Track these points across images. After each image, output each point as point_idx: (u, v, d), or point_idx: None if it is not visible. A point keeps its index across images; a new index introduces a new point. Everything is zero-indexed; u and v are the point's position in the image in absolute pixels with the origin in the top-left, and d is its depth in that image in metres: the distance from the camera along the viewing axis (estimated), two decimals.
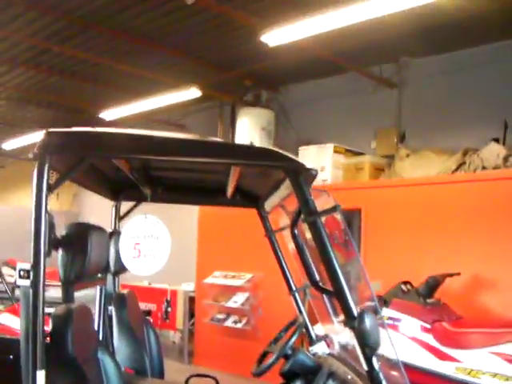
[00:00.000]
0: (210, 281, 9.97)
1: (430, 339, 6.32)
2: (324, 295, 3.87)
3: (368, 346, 2.29)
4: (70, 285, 2.82)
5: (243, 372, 7.72)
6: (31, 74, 11.20)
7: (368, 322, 2.24)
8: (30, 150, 2.53)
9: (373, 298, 2.51)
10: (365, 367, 2.40)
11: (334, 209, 2.49)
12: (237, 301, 9.55)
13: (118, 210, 4.29)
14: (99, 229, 3.03)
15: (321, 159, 9.21)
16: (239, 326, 9.53)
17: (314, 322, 4.07)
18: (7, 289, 8.65)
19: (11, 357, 3.43)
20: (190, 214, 10.92)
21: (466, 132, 8.80)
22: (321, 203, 2.58)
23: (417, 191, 8.03)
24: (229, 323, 9.71)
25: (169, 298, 10.93)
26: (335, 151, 9.33)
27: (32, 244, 2.46)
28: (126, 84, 11.48)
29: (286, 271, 4.02)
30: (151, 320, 9.98)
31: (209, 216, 10.27)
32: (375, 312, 2.36)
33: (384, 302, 6.60)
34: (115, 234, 4.03)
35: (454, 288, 7.13)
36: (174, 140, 2.63)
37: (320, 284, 3.11)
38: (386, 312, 6.50)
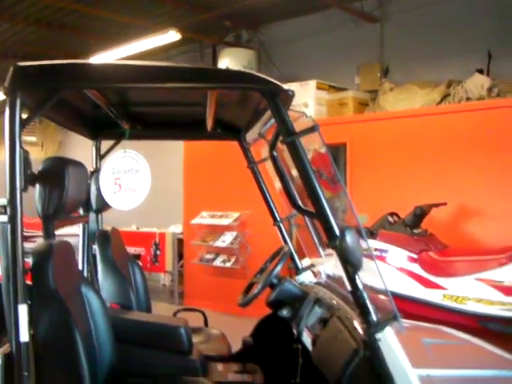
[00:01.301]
0: (198, 221, 9.97)
1: (416, 268, 6.38)
2: (309, 224, 3.88)
3: (350, 263, 2.28)
4: (48, 220, 2.80)
5: (233, 310, 7.79)
6: (7, 27, 10.95)
7: (350, 238, 2.23)
8: None
9: (359, 226, 2.48)
10: (348, 287, 2.40)
11: (313, 129, 2.45)
12: (225, 240, 9.57)
13: (98, 148, 4.24)
14: (77, 163, 2.98)
15: (304, 96, 9.12)
16: (228, 265, 9.57)
17: (301, 256, 4.08)
18: None
19: None
20: (175, 155, 10.88)
21: (449, 64, 8.72)
22: (300, 126, 2.55)
23: (402, 124, 8.00)
24: (218, 263, 9.75)
25: (157, 241, 10.95)
26: (318, 87, 9.24)
27: (7, 180, 2.43)
28: (104, 31, 11.25)
29: (270, 202, 4.01)
30: (140, 264, 10.02)
31: (194, 156, 10.21)
32: (359, 235, 2.34)
33: (371, 233, 6.64)
34: (96, 172, 3.99)
35: (440, 218, 7.18)
36: (147, 67, 2.59)
37: (302, 206, 3.09)
38: (374, 243, 6.54)
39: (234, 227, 9.53)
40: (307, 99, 9.14)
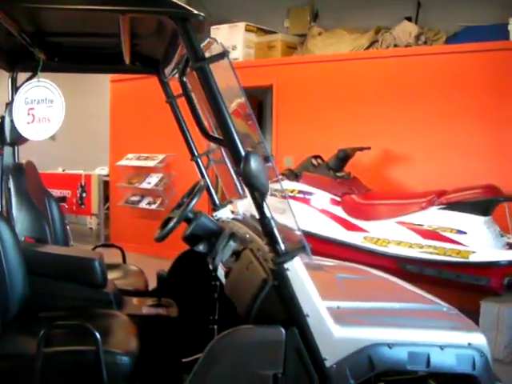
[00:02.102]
0: (124, 163, 9.88)
1: (339, 211, 6.47)
2: (228, 161, 3.87)
3: (256, 189, 2.26)
4: None
5: (158, 253, 7.78)
6: None
7: (253, 162, 2.20)
8: None
9: (268, 153, 2.47)
10: (257, 215, 2.39)
11: (222, 55, 2.42)
12: (150, 182, 9.52)
13: (14, 80, 4.09)
14: None
15: (232, 38, 9.03)
16: (153, 207, 9.54)
17: (222, 199, 4.07)
18: None
19: None
20: (102, 97, 10.71)
21: (379, 11, 8.72)
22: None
23: (328, 67, 8.01)
24: (143, 205, 9.71)
25: (83, 184, 10.80)
26: (247, 30, 9.14)
27: None
28: None
29: (188, 138, 3.97)
30: (66, 206, 9.90)
31: (121, 97, 10.08)
32: (266, 160, 2.33)
33: (295, 175, 6.67)
34: (10, 104, 3.86)
35: (364, 162, 7.26)
36: None
37: (210, 133, 3.06)
38: (297, 186, 6.58)
39: (160, 169, 9.49)
40: (236, 42, 9.05)
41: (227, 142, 2.37)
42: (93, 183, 10.75)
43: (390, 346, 2.50)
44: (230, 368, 2.43)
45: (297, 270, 2.40)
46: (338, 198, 6.52)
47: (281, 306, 2.42)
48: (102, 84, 10.76)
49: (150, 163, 9.47)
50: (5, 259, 2.89)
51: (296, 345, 2.41)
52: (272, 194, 2.44)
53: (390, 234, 6.10)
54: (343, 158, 6.80)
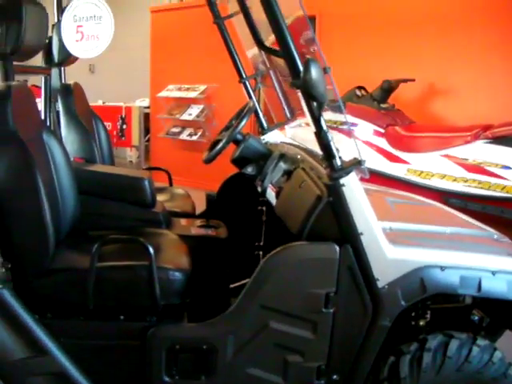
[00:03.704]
0: (164, 94, 9.82)
1: (383, 143, 6.40)
2: (276, 85, 3.82)
3: (314, 97, 2.21)
4: (7, 59, 2.68)
5: (199, 185, 7.81)
6: None
7: (314, 70, 2.15)
8: None
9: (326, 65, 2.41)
10: (313, 128, 2.35)
11: None
12: (191, 113, 9.47)
13: (59, 1, 4.08)
14: (34, 1, 2.84)
15: None
16: (194, 138, 9.51)
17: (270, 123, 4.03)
18: None
19: None
20: (142, 29, 10.64)
21: None
22: None
23: None
24: (184, 136, 9.68)
25: (123, 116, 10.81)
26: None
27: None
28: None
29: (237, 60, 3.90)
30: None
31: (161, 28, 9.97)
32: (324, 71, 2.26)
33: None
34: (58, 24, 3.84)
35: (408, 94, 7.16)
36: None
37: (265, 44, 3.00)
38: (340, 117, 6.51)
39: (201, 100, 9.42)
40: None
41: (285, 52, 2.31)
42: (133, 115, 10.76)
43: (442, 268, 2.47)
44: (281, 285, 2.43)
45: (353, 187, 2.36)
46: (382, 130, 6.45)
47: (335, 223, 2.39)
48: (141, 15, 10.69)
49: (191, 94, 9.40)
50: (57, 178, 2.90)
51: (349, 263, 2.40)
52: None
53: (433, 167, 6.04)
54: (387, 89, 6.71)
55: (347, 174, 2.35)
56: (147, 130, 10.72)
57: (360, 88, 6.92)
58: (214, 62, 8.42)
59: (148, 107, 10.64)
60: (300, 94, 2.32)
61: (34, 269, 2.58)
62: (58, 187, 2.90)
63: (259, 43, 3.20)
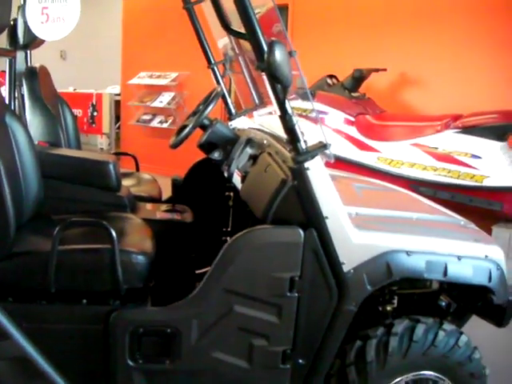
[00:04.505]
0: (136, 81, 9.78)
1: (353, 131, 6.42)
2: (245, 71, 3.80)
3: (279, 80, 2.18)
4: None
5: (169, 172, 7.75)
6: None
7: (278, 51, 2.13)
8: None
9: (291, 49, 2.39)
10: (277, 112, 2.33)
11: None
12: (162, 100, 9.45)
13: None
14: None
15: None
16: (165, 125, 9.49)
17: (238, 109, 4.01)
18: None
19: None
20: (113, 15, 10.56)
21: None
22: None
23: None
24: (155, 123, 9.66)
25: (94, 102, 10.76)
26: None
27: None
28: None
29: (205, 45, 3.88)
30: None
31: (133, 14, 9.91)
32: (289, 54, 2.24)
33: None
34: (23, 5, 3.78)
35: (379, 84, 7.19)
36: None
37: (231, 27, 2.97)
38: (308, 105, 6.51)
39: (172, 87, 9.40)
40: None
41: (250, 35, 2.29)
42: (104, 102, 10.71)
43: (408, 253, 2.48)
44: (245, 269, 2.41)
45: (317, 170, 2.35)
46: (352, 118, 6.47)
47: (299, 207, 2.38)
48: (113, 1, 10.60)
49: (163, 81, 9.37)
50: (20, 162, 2.86)
51: (314, 247, 2.38)
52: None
53: (403, 156, 6.07)
54: (359, 78, 6.72)
55: (312, 157, 2.33)
56: (118, 118, 10.68)
57: (331, 76, 6.93)
58: (185, 49, 8.35)
59: (119, 94, 10.59)
60: (265, 77, 2.30)
61: None
62: (21, 170, 2.85)
63: (226, 27, 3.18)
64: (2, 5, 2.79)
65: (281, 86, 2.24)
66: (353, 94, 6.69)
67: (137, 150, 9.73)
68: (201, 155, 3.40)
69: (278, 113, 2.31)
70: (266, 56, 2.15)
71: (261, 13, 2.78)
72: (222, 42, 4.00)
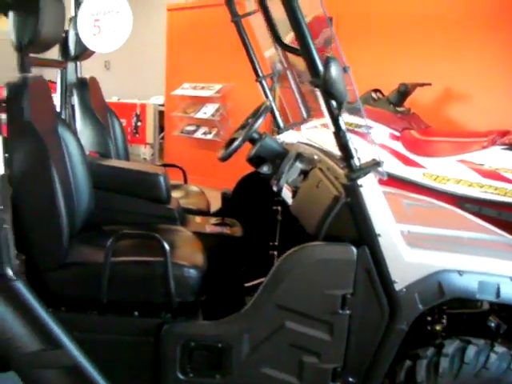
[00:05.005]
0: (179, 92, 9.78)
1: (398, 146, 6.36)
2: (293, 84, 3.80)
3: (334, 96, 2.19)
4: (24, 51, 2.66)
5: (213, 184, 7.79)
6: None
7: (334, 68, 2.14)
8: None
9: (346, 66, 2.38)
10: (332, 128, 2.33)
11: None
12: (206, 112, 9.44)
13: None
14: None
15: None
16: (209, 137, 9.48)
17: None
18: None
19: None
20: (158, 26, 10.64)
21: None
22: None
23: None
24: (198, 135, 9.65)
25: (138, 113, 10.83)
26: None
27: None
28: None
29: (253, 58, 3.89)
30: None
31: (177, 26, 9.95)
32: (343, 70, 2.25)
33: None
34: (74, 18, 3.83)
35: (424, 99, 7.13)
36: None
37: (285, 42, 2.98)
38: (356, 119, 6.48)
39: (216, 99, 9.38)
40: None
41: (303, 51, 2.30)
42: (148, 112, 10.77)
43: (460, 273, 2.45)
44: (298, 285, 2.41)
45: (371, 187, 2.35)
46: (398, 133, 6.41)
47: (352, 224, 2.38)
48: (158, 12, 10.69)
49: (207, 93, 9.35)
50: (71, 169, 2.90)
51: (367, 265, 2.37)
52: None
53: (449, 172, 5.99)
54: (404, 92, 6.67)
55: (365, 174, 2.33)
56: (161, 128, 10.73)
57: (376, 91, 6.89)
58: (229, 61, 8.41)
59: (163, 105, 10.64)
60: (319, 93, 2.31)
61: (47, 262, 2.58)
62: (73, 181, 2.90)
63: (278, 41, 3.19)
64: (57, 21, 2.83)
65: (336, 102, 2.24)
66: (398, 109, 6.64)
67: (180, 161, 9.77)
68: (244, 166, 3.40)
69: (332, 129, 2.32)
70: (321, 72, 2.16)
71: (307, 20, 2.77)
72: (268, 52, 4.02)
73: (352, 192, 2.34)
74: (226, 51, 8.27)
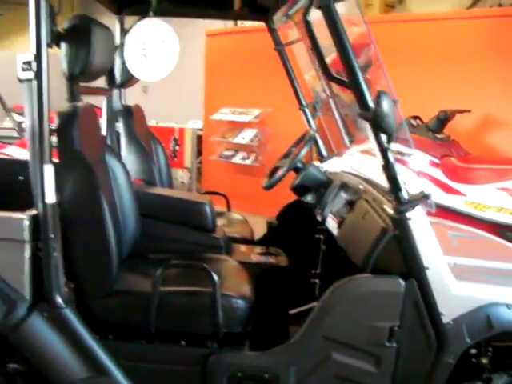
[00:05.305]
0: (218, 117, 9.84)
1: (438, 174, 6.33)
2: (335, 112, 3.82)
3: (384, 130, 2.22)
4: (74, 81, 2.71)
5: (251, 209, 7.81)
6: None
7: (385, 102, 2.16)
8: None
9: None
10: (380, 161, 2.35)
11: None
12: (245, 137, 9.46)
13: (122, 23, 4.12)
14: (103, 24, 2.86)
15: None
16: (247, 162, 9.50)
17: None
18: (15, 126, 8.69)
19: (21, 178, 3.37)
20: (197, 51, 10.73)
21: None
22: None
23: (428, 27, 7.77)
24: (237, 160, 9.68)
25: (176, 137, 10.88)
26: None
27: (33, 35, 2.35)
28: None
29: (297, 86, 3.92)
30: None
31: (216, 51, 10.04)
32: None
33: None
34: (121, 46, 3.89)
35: (463, 125, 7.08)
36: None
37: (333, 74, 2.99)
38: (395, 146, 6.45)
39: (255, 124, 9.41)
40: None
41: (352, 84, 2.32)
42: (186, 136, 10.81)
43: (509, 306, 2.44)
44: (345, 317, 2.42)
45: (419, 220, 2.35)
46: (437, 161, 6.38)
47: (400, 256, 2.38)
48: (196, 37, 10.78)
49: (245, 118, 9.38)
50: (118, 196, 2.94)
51: (414, 298, 2.38)
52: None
53: (490, 200, 5.94)
54: (443, 119, 6.64)
55: (414, 207, 2.34)
56: (199, 152, 10.78)
57: (415, 118, 6.87)
58: (268, 86, 8.45)
59: (201, 129, 10.70)
60: (368, 126, 2.32)
61: (96, 290, 2.61)
62: (120, 209, 2.93)
63: (326, 72, 3.20)
64: (107, 51, 2.89)
65: (386, 136, 2.26)
66: (437, 136, 6.61)
67: (218, 186, 9.81)
68: (283, 193, 3.42)
69: (381, 162, 2.33)
70: (370, 105, 2.17)
71: None
72: (308, 76, 4.04)
73: (400, 225, 2.35)
74: (264, 76, 8.32)
